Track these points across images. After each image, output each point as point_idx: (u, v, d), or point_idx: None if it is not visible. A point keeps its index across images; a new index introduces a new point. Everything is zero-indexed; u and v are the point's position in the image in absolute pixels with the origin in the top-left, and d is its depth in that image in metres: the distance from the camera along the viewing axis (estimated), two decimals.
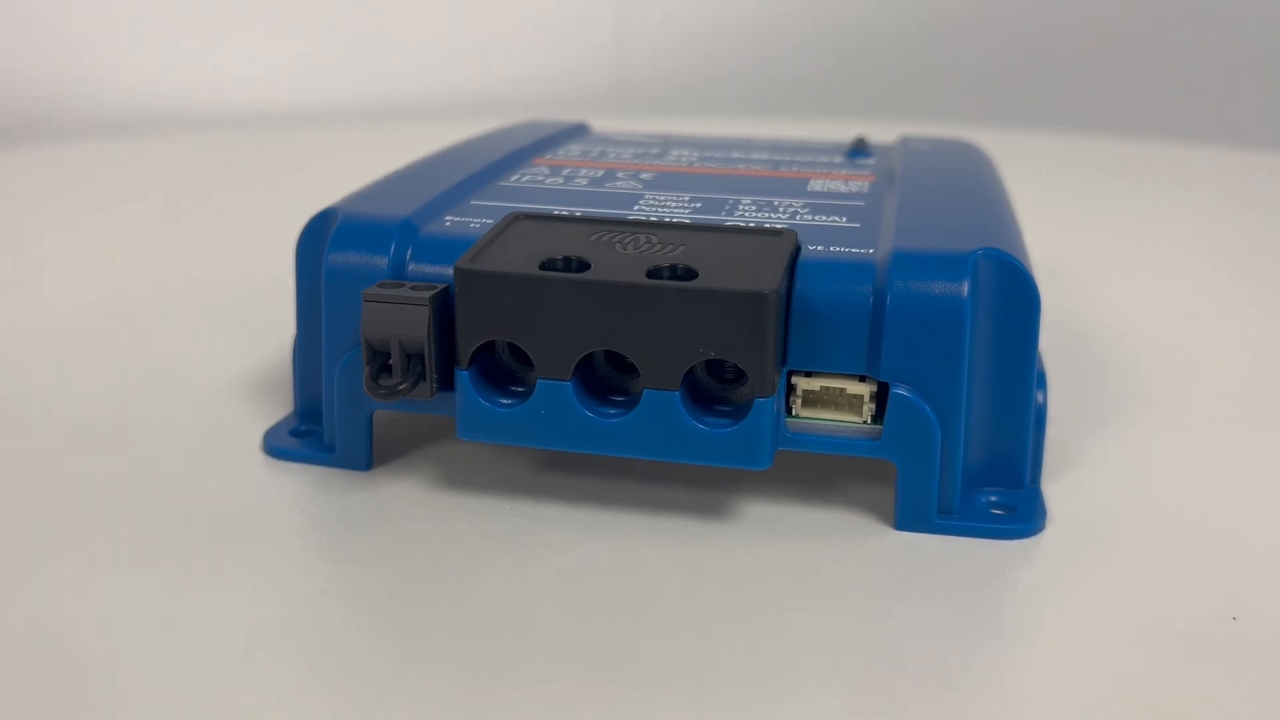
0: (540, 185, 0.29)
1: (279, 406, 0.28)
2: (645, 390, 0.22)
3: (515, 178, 0.29)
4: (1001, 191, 0.30)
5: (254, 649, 0.19)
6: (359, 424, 0.25)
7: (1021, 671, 0.19)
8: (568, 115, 0.42)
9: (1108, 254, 0.45)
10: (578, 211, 0.26)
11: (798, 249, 0.23)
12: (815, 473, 0.25)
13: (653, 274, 0.22)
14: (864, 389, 0.23)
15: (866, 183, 0.29)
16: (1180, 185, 0.59)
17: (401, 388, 0.23)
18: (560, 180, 0.29)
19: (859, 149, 0.33)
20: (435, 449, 0.26)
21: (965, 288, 0.22)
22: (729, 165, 0.31)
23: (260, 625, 0.20)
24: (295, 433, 0.26)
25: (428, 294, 0.23)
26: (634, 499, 0.24)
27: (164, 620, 0.20)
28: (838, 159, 0.32)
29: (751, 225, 0.25)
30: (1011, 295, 0.23)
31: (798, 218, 0.26)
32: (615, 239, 0.23)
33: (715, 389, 0.23)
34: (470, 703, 0.18)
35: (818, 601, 0.21)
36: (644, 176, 0.29)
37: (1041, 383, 0.24)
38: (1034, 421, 0.24)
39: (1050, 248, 0.45)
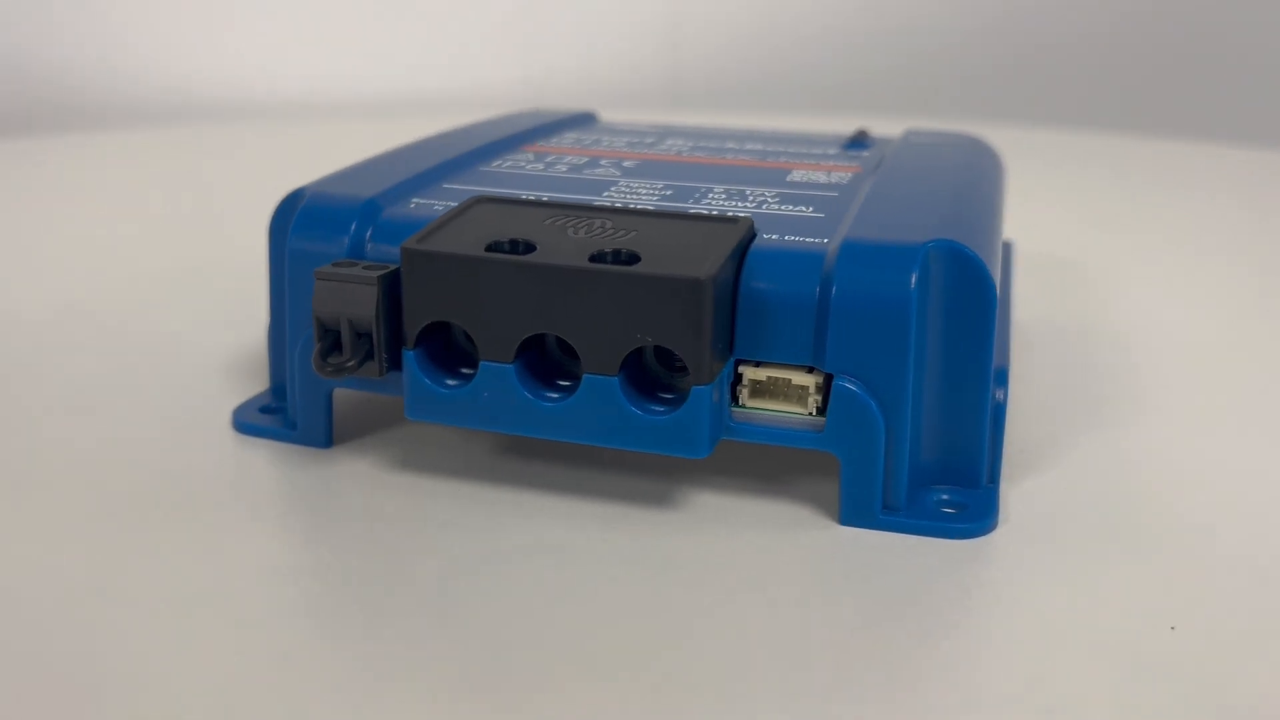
0: (520, 171, 0.29)
1: (262, 385, 0.29)
2: (585, 375, 0.22)
3: (498, 163, 0.29)
4: (990, 186, 0.29)
5: (182, 611, 0.19)
6: (318, 402, 0.25)
7: (934, 671, 0.18)
8: (619, 111, 0.42)
9: (1129, 253, 0.43)
10: (545, 196, 0.26)
11: (751, 238, 0.23)
12: (772, 465, 0.25)
13: (595, 258, 0.22)
14: (809, 380, 0.22)
15: (849, 174, 0.28)
16: (1207, 185, 0.57)
17: (349, 365, 0.23)
18: (541, 166, 0.29)
19: (858, 141, 0.33)
20: (398, 430, 0.26)
21: (912, 280, 0.21)
22: (717, 155, 0.31)
23: (190, 589, 0.20)
24: (265, 409, 0.27)
25: (376, 274, 0.23)
26: (585, 485, 0.24)
27: (99, 581, 0.20)
28: (832, 150, 0.32)
29: (710, 213, 0.24)
30: (966, 289, 0.22)
31: (764, 207, 0.25)
32: (569, 224, 0.23)
33: (664, 376, 0.23)
34: (378, 678, 0.18)
35: (741, 591, 0.20)
36: (626, 164, 0.29)
37: (1002, 379, 0.23)
38: (991, 419, 0.23)
39: (1073, 246, 0.44)
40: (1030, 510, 0.23)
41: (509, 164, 0.29)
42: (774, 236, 0.23)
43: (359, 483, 0.24)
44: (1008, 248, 0.33)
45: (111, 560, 0.21)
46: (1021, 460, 0.25)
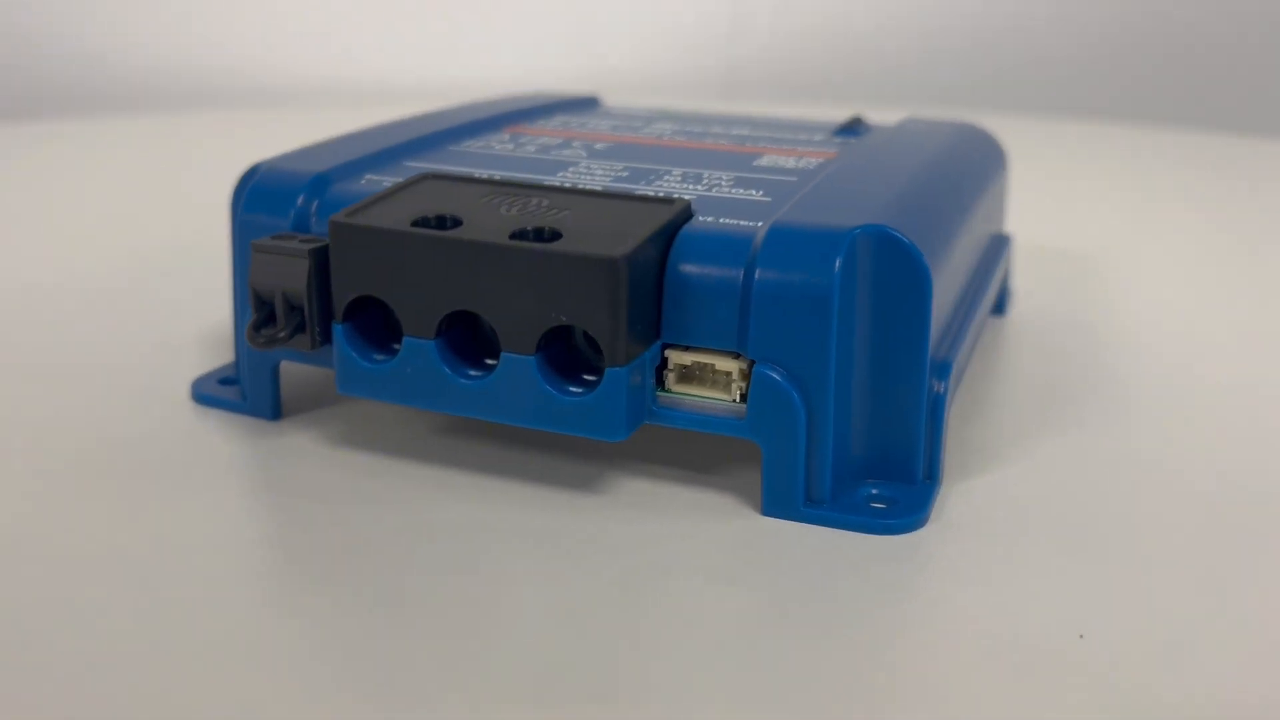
0: (488, 151, 0.28)
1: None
2: (503, 354, 0.22)
3: (470, 143, 0.29)
4: (967, 175, 0.28)
5: (93, 570, 0.20)
6: (264, 374, 0.25)
7: (810, 671, 0.18)
8: (673, 102, 0.41)
9: (1143, 248, 0.41)
10: (497, 175, 0.26)
11: (684, 220, 0.22)
12: (709, 452, 0.24)
13: (516, 235, 0.21)
14: (733, 366, 0.22)
15: (819, 160, 0.28)
16: (1226, 177, 0.55)
17: (280, 336, 0.23)
18: (512, 147, 0.29)
19: (849, 128, 0.32)
20: (348, 406, 0.26)
21: (836, 266, 0.21)
22: (696, 139, 0.30)
23: (101, 549, 0.20)
24: (224, 381, 0.27)
25: (309, 247, 0.23)
26: (519, 467, 0.24)
27: (22, 535, 0.21)
28: (818, 137, 0.31)
29: (650, 194, 0.24)
30: (899, 277, 0.21)
31: (715, 190, 0.25)
32: (505, 201, 0.23)
33: (593, 359, 0.22)
34: (274, 649, 0.18)
35: (642, 576, 0.20)
36: (598, 146, 0.29)
37: (943, 371, 0.22)
38: (928, 413, 0.22)
39: (1085, 240, 0.42)
40: (967, 510, 0.22)
41: (481, 144, 0.29)
42: (709, 219, 0.23)
43: (296, 456, 0.24)
44: (1001, 240, 0.32)
45: (40, 517, 0.22)
46: (977, 457, 0.24)
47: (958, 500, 0.23)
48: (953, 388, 0.23)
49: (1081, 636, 0.18)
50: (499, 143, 0.29)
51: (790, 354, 0.21)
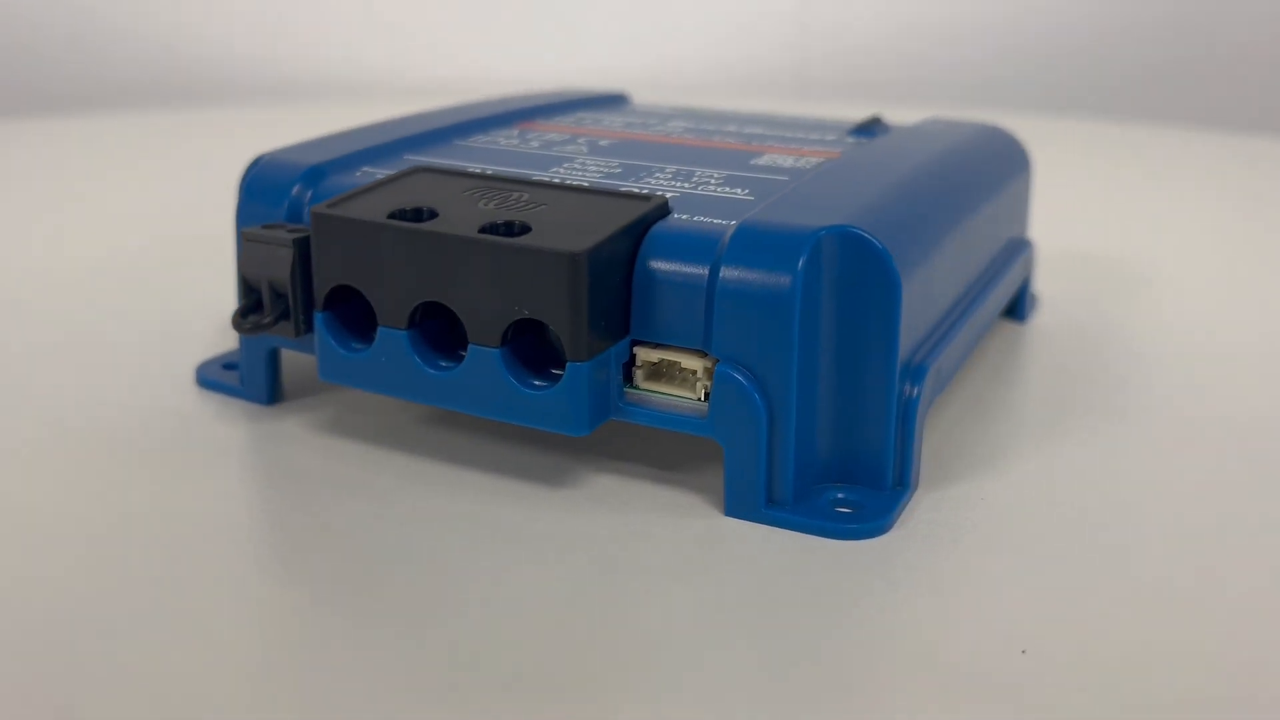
0: (493, 146, 0.29)
1: None
2: (470, 346, 0.22)
3: (477, 138, 0.30)
4: (973, 178, 0.27)
5: (64, 540, 0.21)
6: (259, 360, 0.26)
7: (743, 676, 0.17)
8: (740, 101, 0.41)
9: (1181, 255, 0.40)
10: (489, 169, 0.26)
11: (658, 217, 0.22)
12: (685, 450, 0.24)
13: (485, 229, 0.22)
14: (699, 364, 0.22)
15: (819, 159, 0.27)
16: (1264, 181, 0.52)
17: (265, 323, 0.24)
18: (516, 142, 0.29)
19: (866, 128, 0.32)
20: (344, 394, 0.27)
21: (798, 266, 0.20)
22: (704, 137, 0.30)
23: (73, 515, 0.21)
24: (228, 366, 0.28)
25: (293, 236, 0.23)
26: (492, 459, 0.24)
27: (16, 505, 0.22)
28: (830, 136, 0.30)
29: (631, 191, 0.24)
30: (869, 279, 0.21)
31: (702, 188, 0.25)
32: (485, 195, 0.23)
33: (564, 354, 0.22)
34: (216, 619, 0.19)
35: (587, 573, 0.20)
36: (602, 143, 0.29)
37: (918, 375, 0.22)
38: (898, 417, 0.22)
39: (1119, 244, 0.41)
40: (936, 518, 0.22)
41: (487, 139, 0.29)
42: (685, 217, 0.23)
43: (280, 440, 0.25)
44: (1020, 244, 0.31)
45: (23, 486, 0.22)
46: (961, 465, 0.24)
47: (930, 508, 0.22)
48: (929, 392, 0.22)
49: (1024, 652, 0.18)
50: (505, 138, 0.30)
51: (753, 354, 0.21)
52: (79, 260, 0.38)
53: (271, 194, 0.25)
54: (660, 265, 0.22)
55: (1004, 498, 0.23)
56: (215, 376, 0.27)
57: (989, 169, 0.29)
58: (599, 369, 0.21)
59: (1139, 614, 0.19)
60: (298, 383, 0.27)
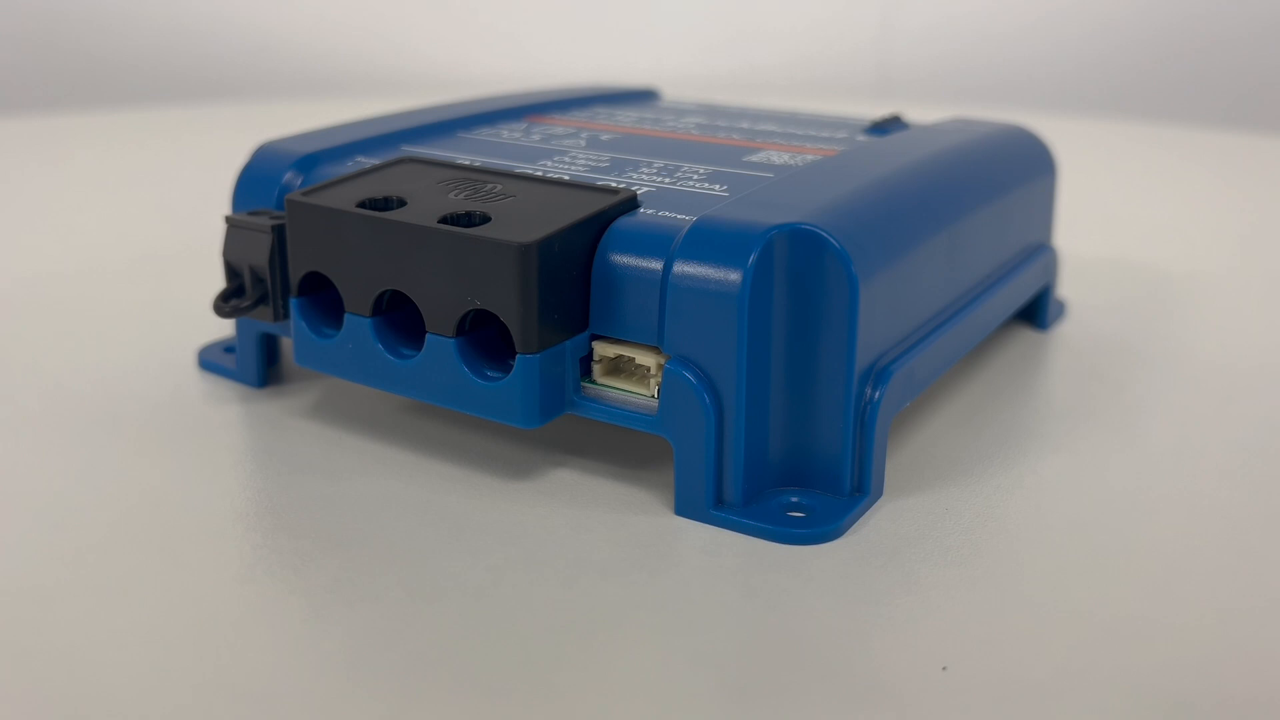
0: (492, 139, 0.29)
1: None
2: (428, 335, 0.22)
3: (481, 130, 0.30)
4: (974, 180, 0.26)
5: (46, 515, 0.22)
6: (250, 344, 0.27)
7: (644, 674, 0.17)
8: (820, 102, 0.41)
9: (1236, 268, 0.38)
10: (477, 161, 0.26)
11: (622, 211, 0.22)
12: (651, 447, 0.24)
13: (445, 219, 0.22)
14: (652, 360, 0.21)
15: (814, 157, 0.27)
16: None
17: (244, 307, 0.24)
18: (519, 135, 0.29)
19: (881, 126, 0.31)
20: (334, 379, 0.27)
21: (749, 262, 0.20)
22: (709, 133, 0.30)
23: (56, 493, 0.22)
24: (229, 349, 0.29)
25: (272, 223, 0.24)
26: (458, 448, 0.24)
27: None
28: (840, 134, 0.30)
29: (601, 184, 0.24)
30: (825, 278, 0.20)
31: (681, 183, 0.24)
32: (461, 186, 0.23)
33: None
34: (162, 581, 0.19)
35: (519, 565, 0.20)
36: (603, 138, 0.29)
37: (881, 379, 0.21)
38: (856, 421, 0.21)
39: (1175, 256, 0.39)
40: (892, 527, 0.21)
41: (490, 132, 0.30)
42: (651, 212, 0.22)
43: (256, 421, 0.25)
44: (1038, 250, 0.30)
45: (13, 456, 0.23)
46: (936, 474, 0.23)
47: (890, 517, 0.22)
48: (895, 397, 0.22)
49: (945, 669, 0.17)
50: (510, 131, 0.30)
51: (702, 351, 0.20)
52: (110, 247, 0.39)
53: (265, 181, 0.26)
54: (618, 259, 0.21)
55: (969, 511, 0.22)
56: (215, 359, 0.28)
57: (998, 170, 0.28)
58: (551, 362, 0.21)
59: (1069, 640, 0.18)
60: (295, 367, 0.28)
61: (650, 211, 0.22)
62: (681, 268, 0.21)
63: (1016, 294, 0.28)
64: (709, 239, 0.21)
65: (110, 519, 0.21)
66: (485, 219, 0.22)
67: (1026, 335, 0.31)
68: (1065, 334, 0.32)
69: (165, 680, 0.17)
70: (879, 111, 0.34)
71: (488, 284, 0.21)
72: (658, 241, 0.21)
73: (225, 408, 0.26)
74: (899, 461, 0.24)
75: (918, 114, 0.36)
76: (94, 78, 0.76)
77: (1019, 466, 0.24)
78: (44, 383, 0.27)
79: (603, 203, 0.22)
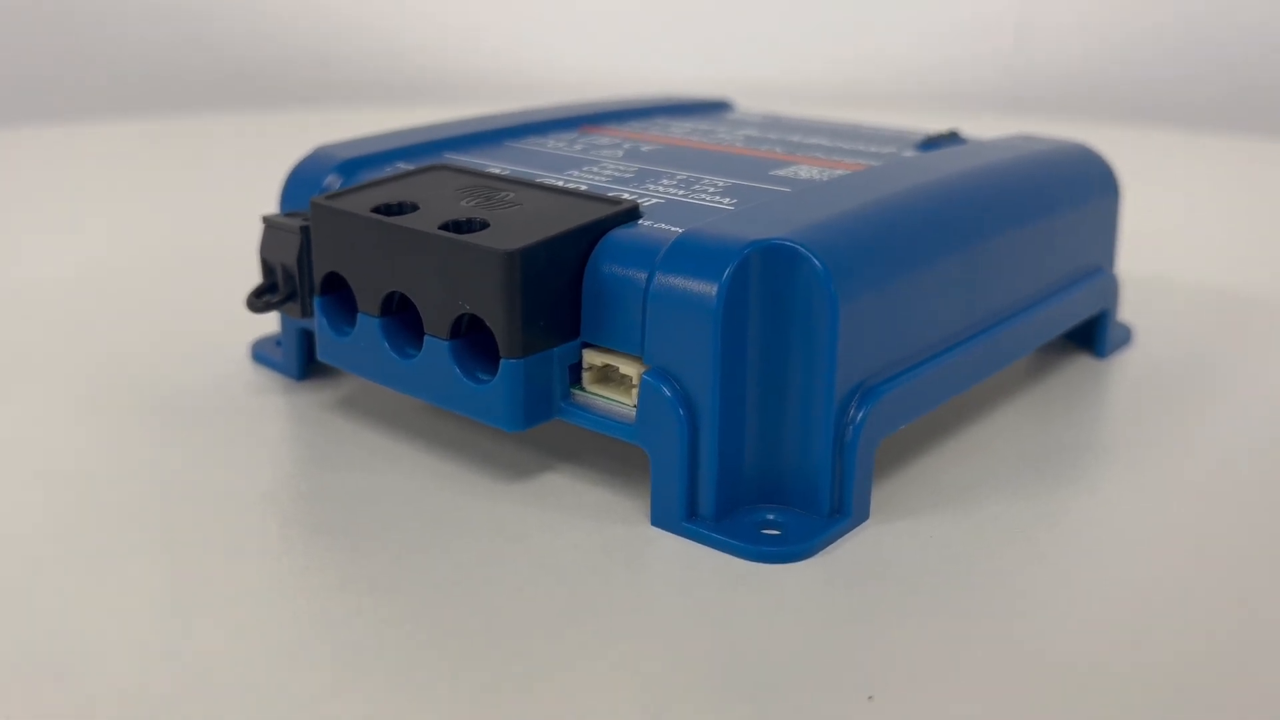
0: (536, 149, 0.29)
1: None
2: (426, 337, 0.23)
3: (530, 140, 0.30)
4: (1009, 201, 0.25)
5: (71, 495, 0.23)
6: (292, 339, 0.28)
7: (578, 683, 0.17)
8: (949, 113, 0.40)
9: None
10: (507, 170, 0.27)
11: (621, 221, 0.22)
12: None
13: (444, 225, 0.22)
14: (634, 370, 0.21)
15: (842, 172, 0.26)
16: None
17: (274, 302, 0.26)
18: (563, 145, 0.30)
19: (934, 141, 0.30)
20: None
21: (724, 276, 0.20)
22: (752, 146, 0.30)
23: (86, 473, 0.24)
24: (280, 343, 0.30)
25: (301, 224, 0.25)
26: (465, 448, 0.25)
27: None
28: (887, 149, 0.29)
29: (605, 194, 0.24)
30: (805, 295, 0.20)
31: (694, 196, 0.24)
32: (474, 194, 0.24)
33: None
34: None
35: (484, 565, 0.20)
36: (643, 149, 0.29)
37: (867, 400, 0.21)
38: (835, 440, 0.21)
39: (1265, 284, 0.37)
40: (867, 552, 0.21)
41: (536, 142, 0.30)
42: (649, 223, 0.22)
43: (286, 412, 0.27)
44: (1093, 274, 0.29)
45: (58, 439, 0.25)
46: (932, 500, 0.23)
47: (869, 540, 0.21)
48: (883, 419, 0.21)
49: (870, 699, 0.17)
50: (555, 140, 0.30)
51: (678, 363, 0.21)
52: (184, 245, 0.41)
53: (309, 184, 0.27)
54: (608, 269, 0.22)
55: (953, 540, 0.21)
56: (266, 352, 0.30)
57: (1041, 190, 0.27)
58: (537, 367, 0.22)
59: (1008, 681, 0.17)
60: None
61: (649, 223, 0.23)
62: (662, 280, 0.21)
63: (1056, 320, 0.27)
64: (690, 252, 0.21)
65: (118, 499, 0.23)
66: (483, 225, 0.22)
67: (1082, 362, 0.30)
68: (1125, 362, 0.30)
69: (150, 653, 0.18)
70: (1000, 129, 0.33)
71: (476, 289, 0.21)
72: (645, 253, 0.21)
73: (263, 398, 0.27)
74: (898, 484, 0.23)
75: (1047, 129, 0.35)
76: (183, 84, 0.80)
77: (1020, 499, 0.23)
78: (107, 367, 0.29)
79: (599, 213, 0.22)
